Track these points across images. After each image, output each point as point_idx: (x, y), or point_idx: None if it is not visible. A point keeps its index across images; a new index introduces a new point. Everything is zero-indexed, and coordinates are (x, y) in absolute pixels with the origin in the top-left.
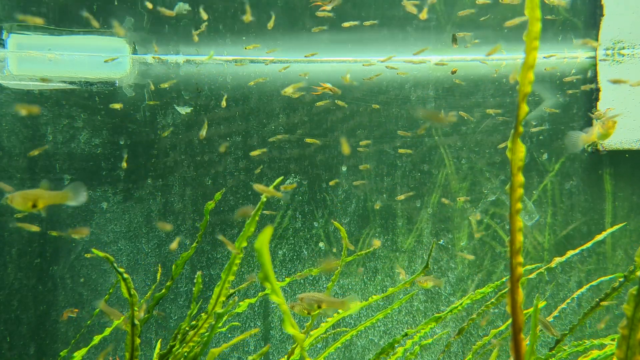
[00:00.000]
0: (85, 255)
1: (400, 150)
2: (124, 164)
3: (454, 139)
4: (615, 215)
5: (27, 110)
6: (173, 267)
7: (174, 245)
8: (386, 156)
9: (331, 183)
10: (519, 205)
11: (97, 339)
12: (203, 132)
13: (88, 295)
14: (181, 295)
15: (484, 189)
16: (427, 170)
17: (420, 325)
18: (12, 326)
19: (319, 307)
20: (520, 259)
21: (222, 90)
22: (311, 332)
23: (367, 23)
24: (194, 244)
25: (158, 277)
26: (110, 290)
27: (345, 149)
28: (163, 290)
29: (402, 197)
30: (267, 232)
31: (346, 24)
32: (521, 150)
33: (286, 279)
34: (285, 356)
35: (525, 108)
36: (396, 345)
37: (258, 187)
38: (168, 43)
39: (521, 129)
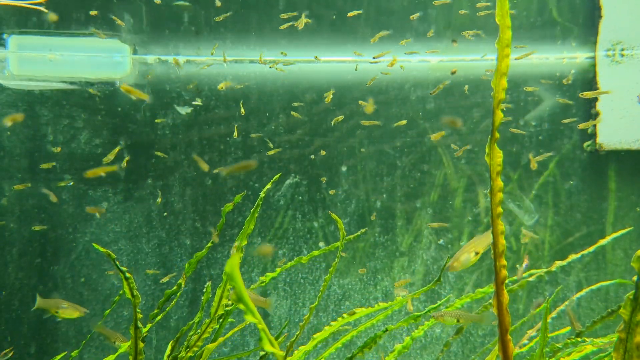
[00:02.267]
0: (95, 246)
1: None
2: (124, 164)
3: (454, 139)
4: (616, 215)
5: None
6: (186, 265)
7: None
8: (386, 156)
9: (331, 192)
10: (500, 209)
11: (124, 346)
12: (204, 165)
13: (88, 295)
14: (181, 295)
15: (483, 189)
16: (426, 170)
17: (399, 323)
18: (13, 325)
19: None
20: (504, 262)
21: (222, 91)
22: (314, 336)
23: (383, 33)
24: (209, 244)
25: (183, 283)
26: (112, 306)
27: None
28: (174, 288)
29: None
30: (236, 257)
31: (351, 14)
32: (499, 155)
33: (277, 269)
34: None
35: (499, 114)
36: (378, 341)
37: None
38: (168, 44)
39: (497, 134)
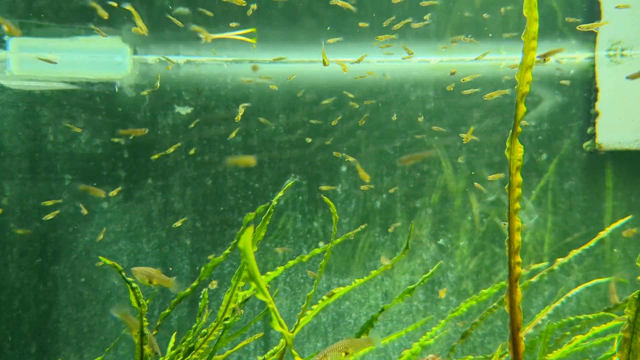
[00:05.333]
0: (97, 261)
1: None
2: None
3: (453, 139)
4: (615, 215)
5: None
6: (202, 269)
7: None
8: (386, 156)
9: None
10: (518, 205)
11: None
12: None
13: (89, 294)
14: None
15: (483, 190)
16: (426, 170)
17: (396, 299)
18: (13, 325)
19: (150, 282)
20: (519, 259)
21: (222, 91)
22: (298, 322)
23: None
24: (226, 251)
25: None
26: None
27: (364, 175)
28: (188, 290)
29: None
30: (249, 231)
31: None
32: (519, 150)
33: (279, 268)
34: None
35: (523, 108)
36: (375, 324)
37: None
38: (168, 44)
39: (519, 128)
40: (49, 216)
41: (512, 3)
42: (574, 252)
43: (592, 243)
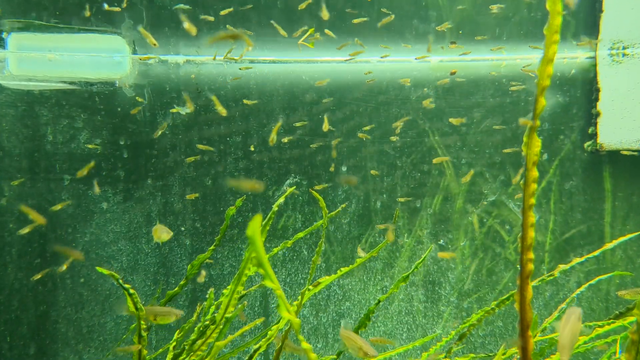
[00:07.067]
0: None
1: None
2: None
3: (454, 139)
4: (615, 215)
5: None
6: (189, 267)
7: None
8: (386, 156)
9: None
10: (532, 200)
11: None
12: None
13: (88, 295)
14: (181, 295)
15: (483, 190)
16: (427, 170)
17: (392, 289)
18: (12, 326)
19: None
20: (531, 255)
21: (222, 91)
22: (283, 314)
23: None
24: (212, 247)
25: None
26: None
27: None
28: (176, 289)
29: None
30: (257, 219)
31: (356, 21)
32: (537, 144)
33: (274, 249)
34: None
35: (543, 102)
36: (372, 316)
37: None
38: (168, 43)
39: (538, 122)
40: (26, 229)
41: (513, 3)
42: (577, 260)
43: (595, 253)
